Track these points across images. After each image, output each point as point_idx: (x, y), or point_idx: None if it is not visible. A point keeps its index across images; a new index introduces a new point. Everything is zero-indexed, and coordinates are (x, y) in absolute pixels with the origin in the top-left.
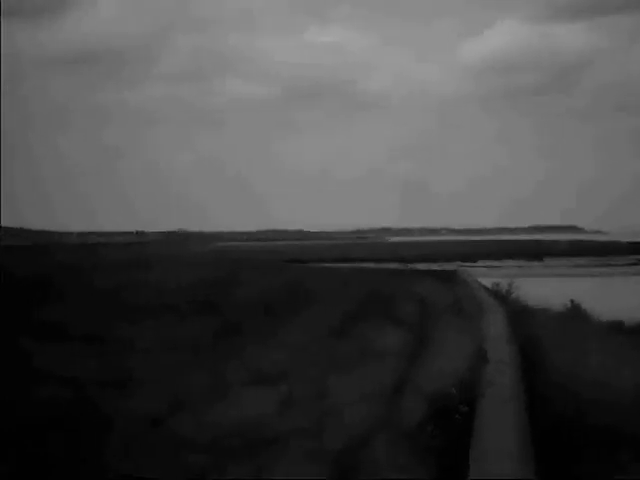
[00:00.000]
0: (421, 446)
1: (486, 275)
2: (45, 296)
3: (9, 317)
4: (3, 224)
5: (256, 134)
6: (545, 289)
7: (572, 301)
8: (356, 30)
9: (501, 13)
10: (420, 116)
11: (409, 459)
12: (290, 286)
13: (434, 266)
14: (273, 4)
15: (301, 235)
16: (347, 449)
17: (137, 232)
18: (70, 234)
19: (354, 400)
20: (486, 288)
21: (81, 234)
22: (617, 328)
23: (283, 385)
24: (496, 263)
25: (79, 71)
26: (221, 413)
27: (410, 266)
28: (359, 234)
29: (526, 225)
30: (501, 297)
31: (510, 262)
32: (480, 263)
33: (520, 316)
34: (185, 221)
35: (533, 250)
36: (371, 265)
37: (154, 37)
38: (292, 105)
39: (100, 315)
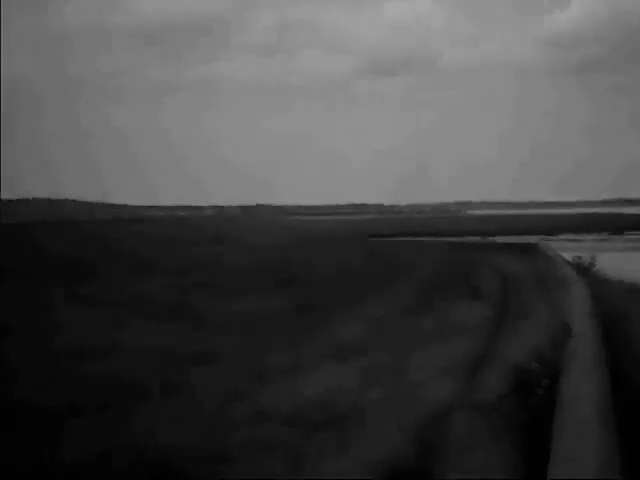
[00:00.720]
0: (502, 420)
1: (568, 249)
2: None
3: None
4: (66, 196)
5: (334, 108)
6: (626, 263)
7: None
8: (434, 3)
9: None
10: (494, 88)
11: (489, 433)
12: (372, 260)
13: (515, 239)
14: None
15: (379, 209)
16: (427, 422)
17: (215, 207)
18: (140, 207)
19: (436, 374)
20: (568, 262)
21: (150, 207)
22: None
23: (364, 358)
24: (578, 237)
25: (158, 44)
26: (303, 387)
27: (491, 239)
28: (440, 207)
29: (607, 198)
30: (583, 270)
31: (592, 236)
32: (562, 237)
33: (602, 289)
34: (261, 196)
35: (615, 224)
36: (452, 239)
37: (231, 11)
38: (373, 78)
39: (182, 289)
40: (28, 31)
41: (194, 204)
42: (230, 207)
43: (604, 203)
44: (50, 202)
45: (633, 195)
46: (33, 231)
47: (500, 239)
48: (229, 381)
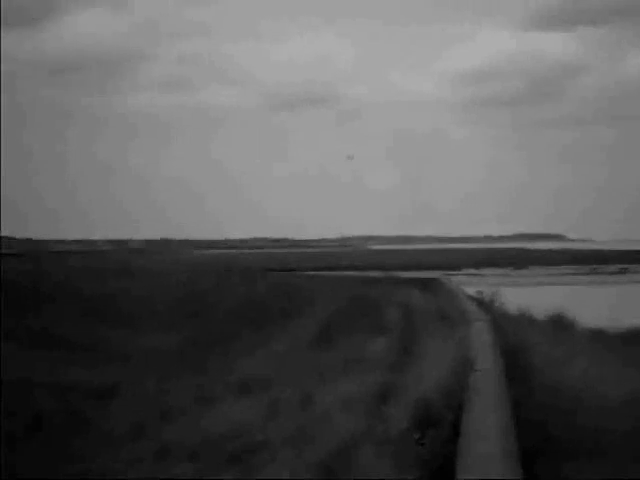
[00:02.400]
0: (406, 454)
1: (470, 284)
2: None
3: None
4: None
5: (245, 141)
6: (529, 297)
7: (556, 310)
8: (337, 39)
9: (483, 20)
10: (401, 124)
11: (395, 465)
12: (275, 294)
13: (417, 274)
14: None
15: (288, 243)
16: (333, 456)
17: (119, 241)
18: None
19: (340, 408)
20: (470, 296)
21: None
22: (599, 336)
23: (268, 392)
24: (480, 271)
25: (66, 79)
26: (207, 421)
27: (393, 274)
28: (343, 242)
29: (510, 233)
30: (485, 305)
31: (495, 270)
32: (464, 271)
33: (504, 324)
34: (171, 229)
35: (518, 258)
36: (354, 273)
37: (141, 46)
38: (277, 113)
39: (87, 322)
40: None
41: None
42: (134, 240)
43: (509, 238)
44: None
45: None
46: None
47: (403, 274)
48: (132, 415)
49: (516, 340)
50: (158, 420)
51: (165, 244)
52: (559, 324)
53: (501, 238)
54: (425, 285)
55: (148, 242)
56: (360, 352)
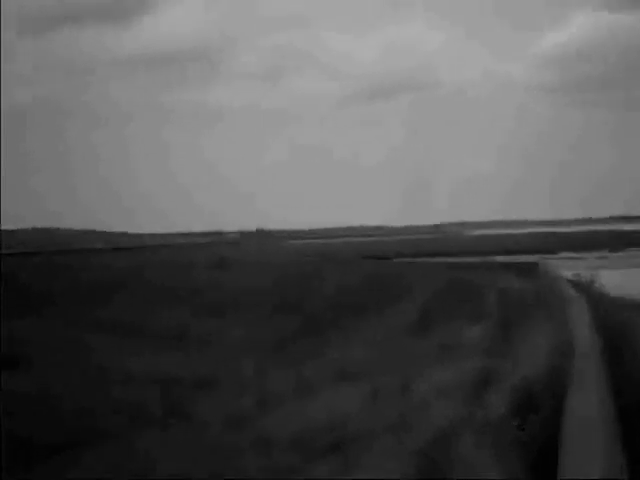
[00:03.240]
0: (506, 440)
1: (567, 267)
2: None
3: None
4: (74, 226)
5: (342, 130)
6: (628, 279)
7: None
8: (435, 26)
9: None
10: (500, 108)
11: (495, 453)
12: (371, 282)
13: (514, 259)
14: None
15: (383, 232)
16: (432, 444)
17: (216, 232)
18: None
19: (439, 396)
20: (568, 280)
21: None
22: None
23: (366, 381)
24: (577, 254)
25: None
26: (306, 411)
27: (490, 259)
28: (438, 228)
29: (607, 215)
30: (583, 288)
31: (591, 253)
32: (561, 254)
33: (603, 307)
34: (262, 221)
35: (615, 240)
36: (450, 259)
37: (232, 38)
38: (373, 100)
39: (182, 313)
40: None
41: (198, 230)
42: (230, 233)
43: (604, 221)
44: (39, 231)
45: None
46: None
47: (499, 259)
48: (231, 406)
49: (616, 322)
50: (257, 410)
51: (259, 235)
52: None
53: (597, 220)
54: (523, 269)
55: (242, 234)
56: (457, 338)
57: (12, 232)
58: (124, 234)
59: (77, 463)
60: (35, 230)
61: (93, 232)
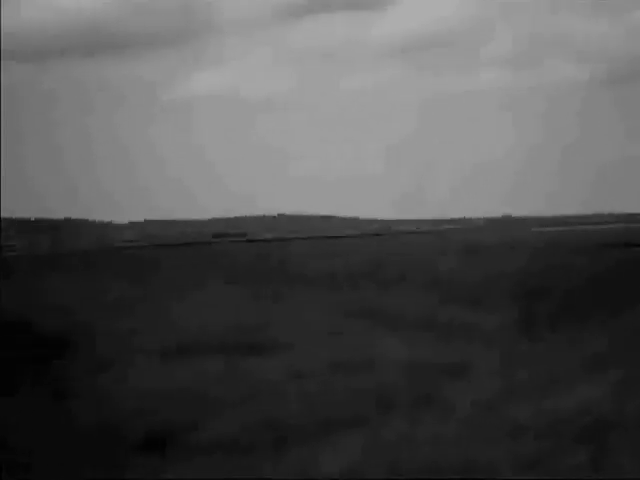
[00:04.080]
0: None
1: None
2: None
3: None
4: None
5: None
6: None
7: None
8: None
9: None
10: None
11: None
12: (621, 269)
13: None
14: None
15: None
16: None
17: (461, 219)
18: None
19: None
20: None
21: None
22: None
23: (616, 371)
24: None
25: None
26: (555, 400)
27: None
28: None
29: None
30: None
31: None
32: None
33: None
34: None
35: None
36: None
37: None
38: (613, 86)
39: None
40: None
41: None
42: (474, 219)
43: None
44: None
45: None
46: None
47: None
48: (482, 393)
49: None
50: (506, 399)
51: (504, 222)
52: None
53: None
54: None
55: (488, 220)
56: None
57: (261, 218)
58: (374, 220)
59: (333, 449)
60: (281, 216)
61: (334, 218)
